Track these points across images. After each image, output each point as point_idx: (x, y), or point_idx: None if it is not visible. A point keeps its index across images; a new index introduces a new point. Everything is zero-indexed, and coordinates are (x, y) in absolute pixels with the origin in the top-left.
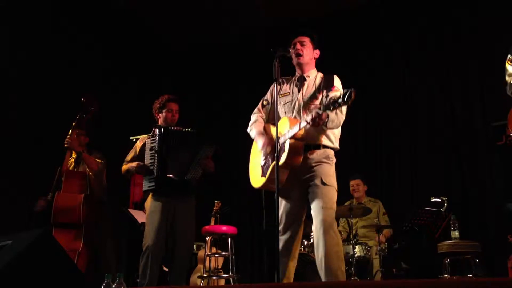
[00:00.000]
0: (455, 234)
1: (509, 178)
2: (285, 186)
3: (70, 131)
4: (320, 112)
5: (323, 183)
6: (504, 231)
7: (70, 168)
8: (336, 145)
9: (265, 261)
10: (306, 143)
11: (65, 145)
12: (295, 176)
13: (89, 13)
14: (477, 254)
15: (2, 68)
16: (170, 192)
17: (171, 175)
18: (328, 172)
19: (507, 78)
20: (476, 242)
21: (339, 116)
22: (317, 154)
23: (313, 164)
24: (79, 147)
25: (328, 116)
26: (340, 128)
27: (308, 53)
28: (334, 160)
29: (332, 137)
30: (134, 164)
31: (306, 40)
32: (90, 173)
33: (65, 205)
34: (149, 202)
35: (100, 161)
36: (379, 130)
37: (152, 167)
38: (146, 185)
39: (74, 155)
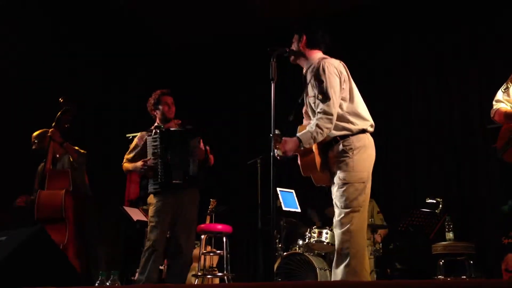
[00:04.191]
0: (450, 235)
1: (504, 180)
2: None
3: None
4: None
5: (340, 183)
6: (499, 233)
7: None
8: (359, 125)
9: (260, 260)
10: (320, 142)
11: (49, 135)
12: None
13: (89, 12)
14: (471, 256)
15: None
16: (175, 191)
17: (176, 181)
18: (346, 168)
19: (493, 102)
20: (470, 243)
21: (317, 129)
22: (334, 151)
23: (333, 161)
24: (60, 138)
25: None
26: (358, 104)
27: (295, 47)
28: (358, 146)
29: (352, 118)
30: (139, 164)
31: (293, 38)
32: (74, 164)
33: (46, 201)
34: (153, 198)
35: (82, 151)
36: (377, 131)
37: (156, 171)
38: (151, 188)
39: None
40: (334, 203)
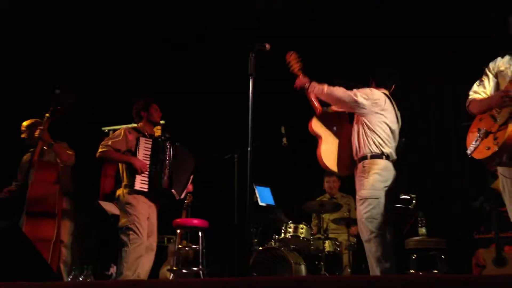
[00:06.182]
0: (422, 230)
1: (475, 176)
2: None
3: (43, 122)
4: None
5: (358, 198)
6: (470, 229)
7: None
8: (375, 149)
9: (236, 255)
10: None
11: (36, 135)
12: None
13: (87, 9)
14: (443, 251)
15: None
16: (156, 198)
17: (174, 191)
18: (360, 186)
19: (470, 92)
20: (441, 239)
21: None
22: (357, 168)
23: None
24: (50, 138)
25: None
26: (378, 131)
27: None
28: (374, 168)
29: (370, 142)
30: (133, 159)
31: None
32: (61, 164)
33: (40, 194)
34: (134, 197)
35: (71, 152)
36: None
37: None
38: (139, 185)
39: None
40: None
